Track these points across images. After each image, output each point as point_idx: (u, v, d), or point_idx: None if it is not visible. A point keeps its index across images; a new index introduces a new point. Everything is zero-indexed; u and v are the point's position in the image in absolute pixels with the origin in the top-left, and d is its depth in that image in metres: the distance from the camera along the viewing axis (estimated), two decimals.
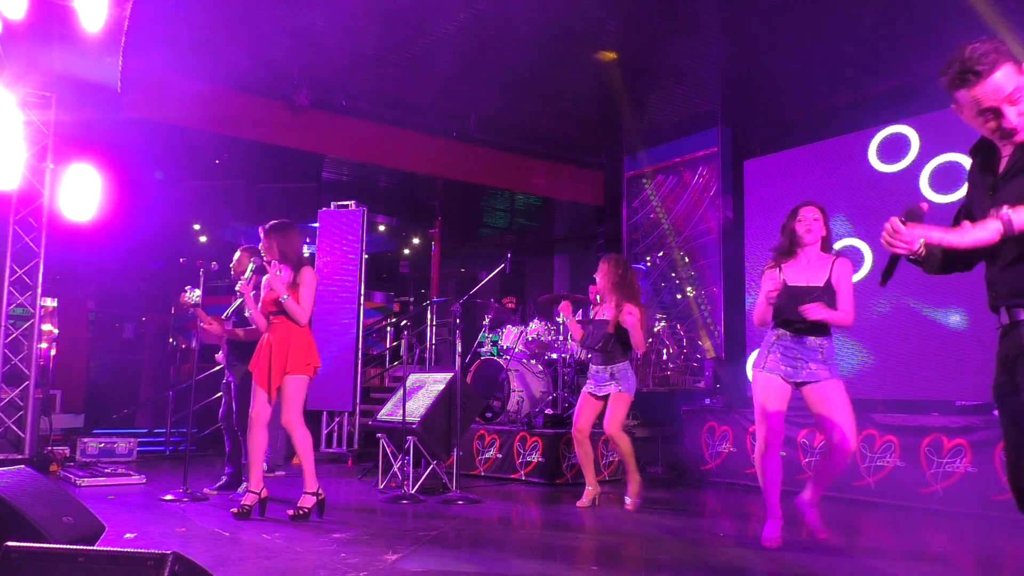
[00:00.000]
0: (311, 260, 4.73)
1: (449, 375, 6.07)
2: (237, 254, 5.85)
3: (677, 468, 7.34)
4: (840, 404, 3.90)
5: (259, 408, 4.61)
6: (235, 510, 4.56)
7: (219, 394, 6.41)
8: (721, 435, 7.00)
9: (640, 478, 5.38)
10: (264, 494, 4.65)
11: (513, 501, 5.83)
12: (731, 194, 8.93)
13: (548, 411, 7.05)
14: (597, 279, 5.45)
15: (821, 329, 3.94)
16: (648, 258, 9.78)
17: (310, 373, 4.66)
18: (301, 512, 4.52)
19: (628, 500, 5.29)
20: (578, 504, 5.35)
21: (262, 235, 4.79)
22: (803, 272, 4.04)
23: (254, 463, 4.62)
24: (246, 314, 4.97)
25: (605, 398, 5.36)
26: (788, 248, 4.11)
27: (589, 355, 5.55)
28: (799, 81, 7.73)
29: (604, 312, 5.42)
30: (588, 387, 5.45)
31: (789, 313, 3.91)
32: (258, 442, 4.61)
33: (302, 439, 4.59)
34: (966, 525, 4.86)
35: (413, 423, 5.75)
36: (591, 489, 5.42)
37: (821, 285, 3.96)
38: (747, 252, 8.54)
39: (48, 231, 7.02)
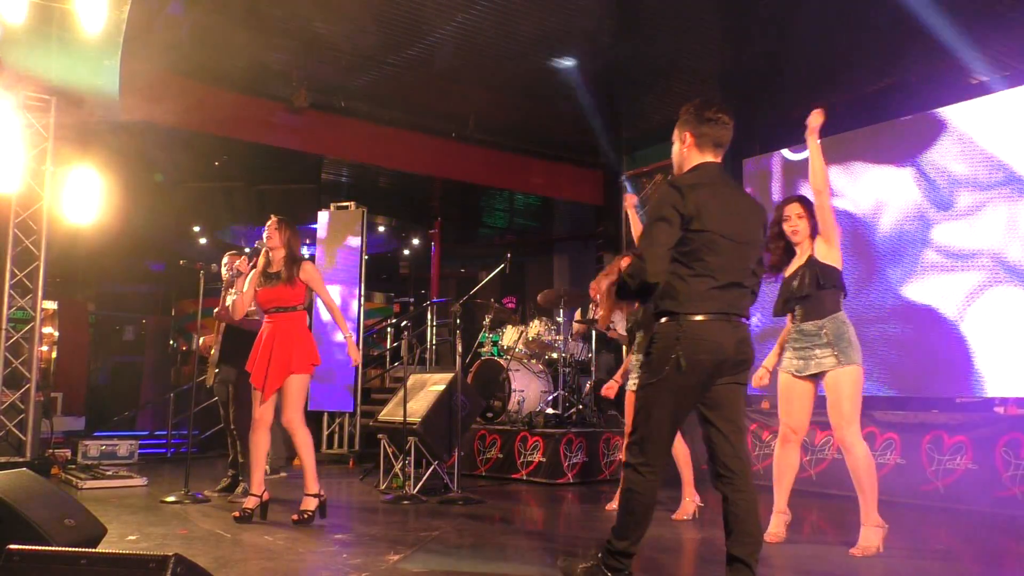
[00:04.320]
0: (311, 259, 4.77)
1: (450, 375, 6.07)
2: (225, 259, 5.83)
3: (676, 467, 7.31)
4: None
5: (262, 410, 4.58)
6: (236, 514, 4.53)
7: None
8: None
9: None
10: (266, 497, 4.63)
11: (514, 501, 5.83)
12: None
13: (549, 411, 7.05)
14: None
15: None
16: None
17: (312, 372, 4.67)
18: (305, 516, 4.50)
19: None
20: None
21: (274, 224, 4.77)
22: None
23: (255, 466, 4.61)
24: (229, 300, 4.94)
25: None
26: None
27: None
28: (798, 79, 7.73)
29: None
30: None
31: None
32: (260, 444, 4.59)
33: (303, 440, 4.56)
34: (967, 522, 4.86)
35: (414, 424, 5.75)
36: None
37: None
38: None
39: (48, 234, 7.01)
